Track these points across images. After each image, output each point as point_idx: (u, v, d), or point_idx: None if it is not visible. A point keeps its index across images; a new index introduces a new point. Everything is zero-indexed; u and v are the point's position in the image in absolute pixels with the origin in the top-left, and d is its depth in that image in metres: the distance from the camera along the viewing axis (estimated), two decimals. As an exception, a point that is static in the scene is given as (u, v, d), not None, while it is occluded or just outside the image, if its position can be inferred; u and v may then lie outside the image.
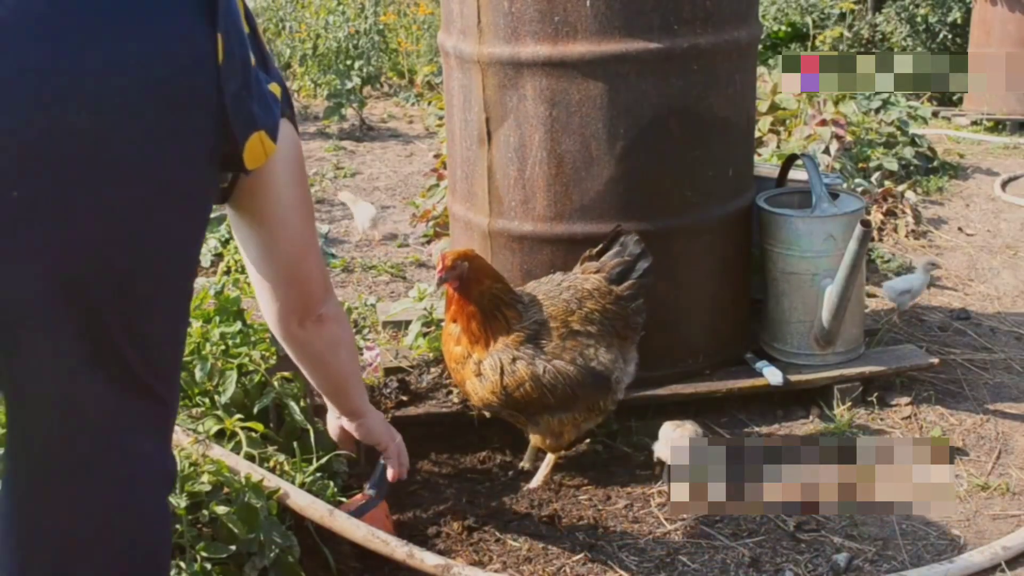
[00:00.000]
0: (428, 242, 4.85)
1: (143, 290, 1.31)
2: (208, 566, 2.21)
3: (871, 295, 4.27)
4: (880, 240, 5.02)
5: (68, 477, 1.32)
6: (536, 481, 3.00)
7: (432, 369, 3.41)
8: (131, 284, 1.29)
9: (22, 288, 1.21)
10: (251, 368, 2.80)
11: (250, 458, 2.53)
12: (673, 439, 2.92)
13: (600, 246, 3.04)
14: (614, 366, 2.94)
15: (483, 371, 2.87)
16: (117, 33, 1.20)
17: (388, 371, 3.39)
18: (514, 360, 2.85)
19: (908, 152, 5.96)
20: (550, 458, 3.02)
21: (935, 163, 6.24)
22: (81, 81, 1.17)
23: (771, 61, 7.74)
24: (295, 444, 2.69)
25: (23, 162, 1.16)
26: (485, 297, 2.87)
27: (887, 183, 5.37)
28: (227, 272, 4.61)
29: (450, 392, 3.29)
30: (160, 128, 1.25)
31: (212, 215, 4.94)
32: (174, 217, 1.33)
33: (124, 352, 1.30)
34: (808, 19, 8.75)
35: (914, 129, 6.30)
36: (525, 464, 3.11)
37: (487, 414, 3.12)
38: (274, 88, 1.43)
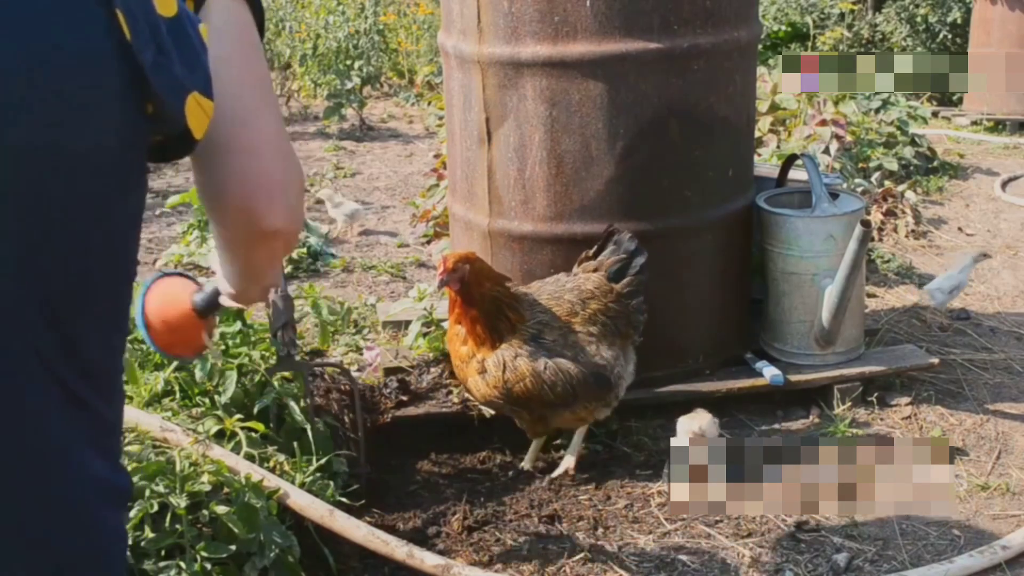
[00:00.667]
0: (428, 242, 4.85)
1: (75, 298, 1.22)
2: (208, 566, 2.21)
3: (872, 295, 4.27)
4: (880, 240, 5.02)
5: (12, 501, 1.26)
6: (565, 467, 3.06)
7: (432, 369, 3.41)
8: (63, 293, 1.21)
9: None
10: (251, 368, 2.80)
11: (250, 458, 2.53)
12: (691, 427, 2.96)
13: (596, 246, 3.05)
14: (615, 363, 2.96)
15: (487, 367, 2.88)
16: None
17: (388, 371, 3.39)
18: (516, 356, 2.86)
19: (908, 152, 5.96)
20: (579, 435, 3.08)
21: (935, 163, 6.24)
22: None
23: (771, 61, 7.73)
24: (295, 444, 2.69)
25: None
26: (486, 300, 2.88)
27: (887, 183, 5.37)
28: (227, 272, 4.60)
29: (450, 392, 3.29)
30: (68, 133, 1.18)
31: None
32: (99, 219, 1.23)
33: (59, 365, 1.24)
34: (808, 19, 8.74)
35: (914, 129, 6.30)
36: (526, 464, 3.11)
37: (487, 412, 3.13)
38: (203, 29, 1.33)
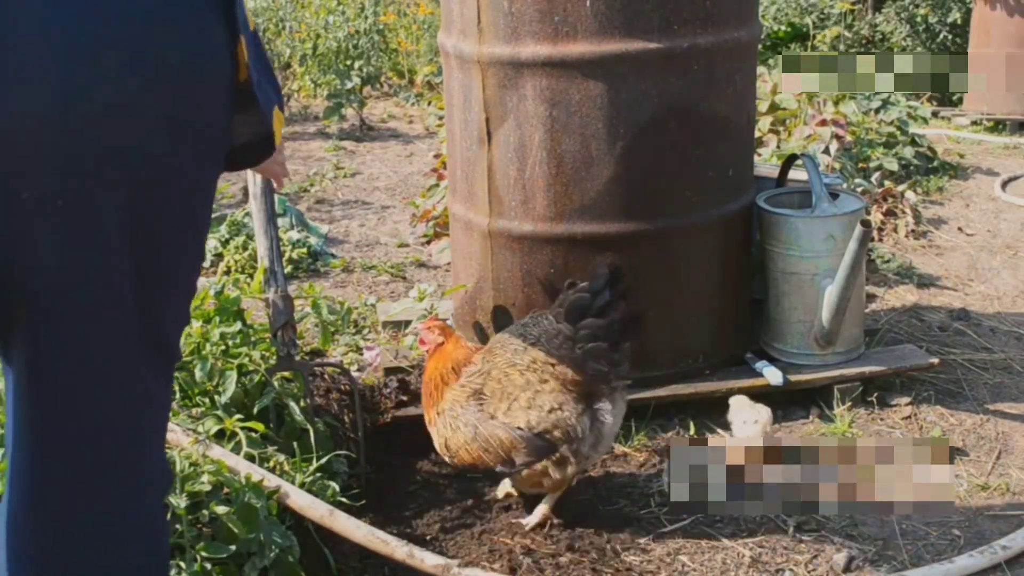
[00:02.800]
0: (428, 242, 4.86)
1: (169, 283, 1.34)
2: (208, 566, 2.21)
3: (871, 295, 4.27)
4: (880, 240, 5.02)
5: (96, 486, 1.31)
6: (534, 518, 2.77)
7: (432, 369, 3.40)
8: (168, 274, 1.33)
9: (88, 257, 1.24)
10: (251, 368, 2.80)
11: (250, 458, 2.53)
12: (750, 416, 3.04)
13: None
14: (561, 422, 2.64)
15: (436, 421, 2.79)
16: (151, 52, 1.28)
17: (388, 371, 3.39)
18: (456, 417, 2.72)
19: (908, 152, 5.96)
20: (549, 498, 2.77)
21: (935, 163, 6.24)
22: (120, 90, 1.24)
23: (771, 61, 7.74)
24: (295, 444, 2.69)
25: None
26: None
27: (887, 183, 5.37)
28: (227, 272, 4.61)
29: (450, 392, 3.29)
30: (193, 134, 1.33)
31: (213, 215, 4.92)
32: (193, 209, 1.36)
33: (167, 343, 1.33)
34: (808, 19, 8.75)
35: (914, 129, 6.29)
36: (498, 493, 2.95)
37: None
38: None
